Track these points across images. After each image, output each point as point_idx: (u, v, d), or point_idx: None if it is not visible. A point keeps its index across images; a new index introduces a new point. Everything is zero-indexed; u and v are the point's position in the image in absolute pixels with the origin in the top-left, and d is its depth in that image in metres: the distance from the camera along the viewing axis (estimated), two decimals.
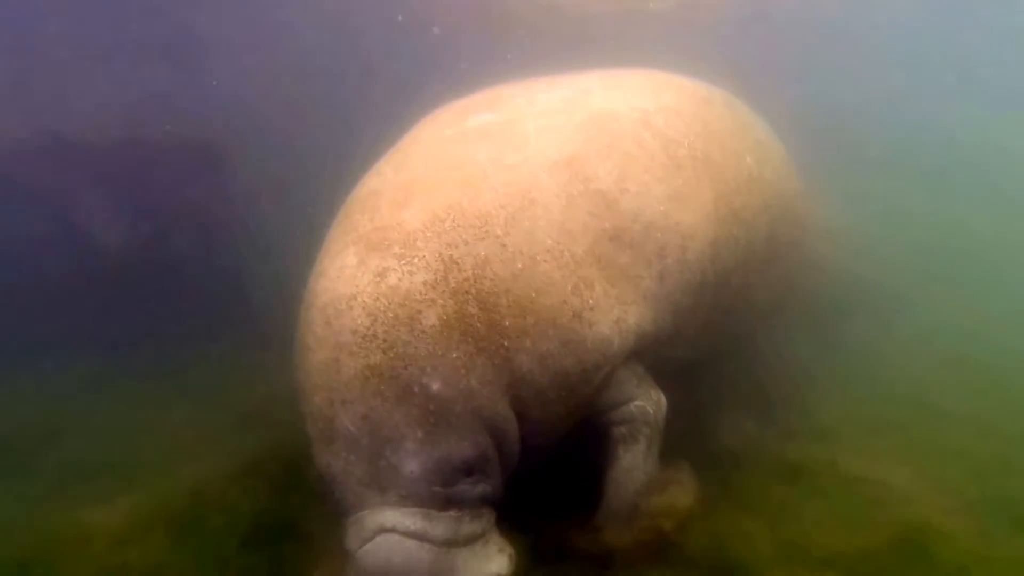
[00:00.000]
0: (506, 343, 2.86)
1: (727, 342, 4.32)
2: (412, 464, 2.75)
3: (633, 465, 3.36)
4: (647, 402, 3.33)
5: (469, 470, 2.85)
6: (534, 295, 2.93)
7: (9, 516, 4.14)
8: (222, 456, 4.42)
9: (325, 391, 2.81)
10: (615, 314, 3.12)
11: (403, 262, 2.87)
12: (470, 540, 2.88)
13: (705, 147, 3.81)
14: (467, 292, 2.84)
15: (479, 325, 2.83)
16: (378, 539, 2.76)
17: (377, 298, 2.81)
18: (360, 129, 3.88)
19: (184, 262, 6.04)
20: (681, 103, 4.00)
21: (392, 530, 2.75)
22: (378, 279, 2.85)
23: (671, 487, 3.56)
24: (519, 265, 2.94)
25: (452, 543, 2.82)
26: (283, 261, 3.73)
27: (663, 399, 3.42)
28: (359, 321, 2.79)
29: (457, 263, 2.87)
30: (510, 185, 3.11)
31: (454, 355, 2.77)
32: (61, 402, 5.49)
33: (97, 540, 3.85)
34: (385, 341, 2.75)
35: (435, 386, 2.74)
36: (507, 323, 2.87)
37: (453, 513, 2.85)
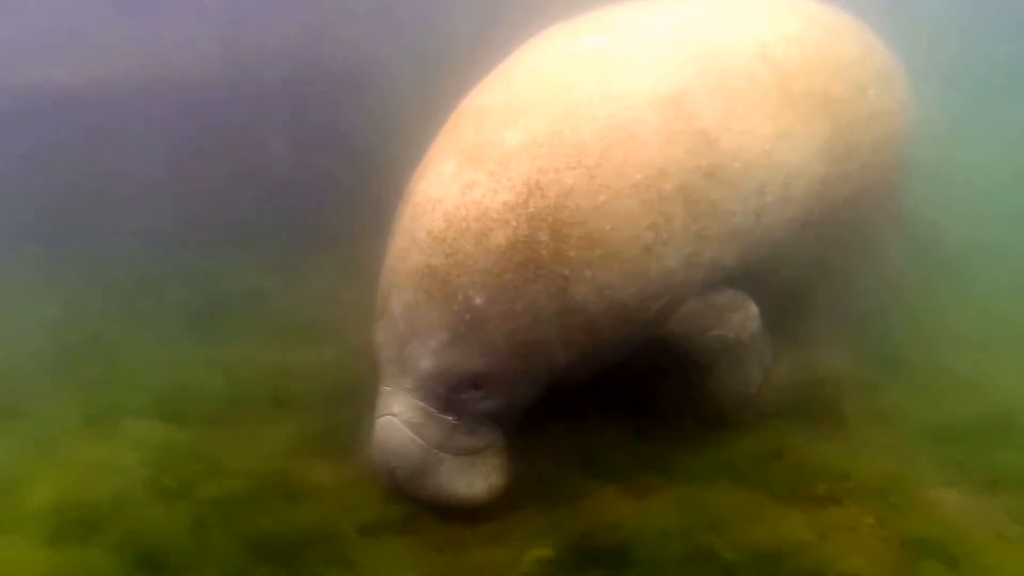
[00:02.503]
0: (566, 272, 3.03)
1: (836, 273, 4.27)
2: (427, 361, 3.06)
3: (719, 383, 3.56)
4: (726, 329, 3.44)
5: (478, 384, 3.10)
6: (608, 228, 3.07)
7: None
8: None
9: (391, 274, 3.20)
10: (689, 248, 3.21)
11: (492, 179, 3.08)
12: (460, 451, 3.16)
13: (825, 81, 3.73)
14: (543, 219, 3.01)
15: (543, 252, 3.01)
16: (385, 418, 3.15)
17: (458, 207, 3.07)
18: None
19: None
20: (804, 32, 3.88)
21: (396, 415, 3.11)
22: (465, 190, 3.09)
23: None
24: (602, 198, 3.07)
25: (441, 447, 3.12)
26: None
27: (750, 322, 3.50)
28: (436, 224, 3.08)
29: (542, 189, 3.04)
30: (613, 117, 3.20)
31: (508, 277, 2.99)
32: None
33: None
34: (450, 247, 3.02)
35: (478, 300, 2.99)
36: (572, 254, 3.03)
37: (451, 419, 3.14)
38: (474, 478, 3.19)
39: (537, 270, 3.01)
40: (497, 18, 4.36)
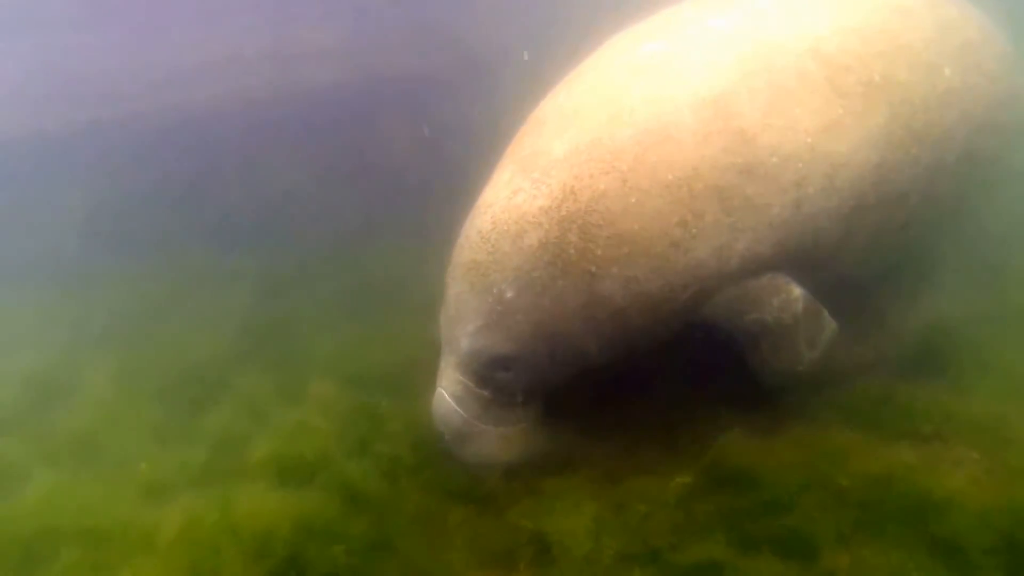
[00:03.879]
0: (593, 269, 3.40)
1: (910, 255, 4.32)
2: (466, 342, 3.56)
3: (762, 362, 3.78)
4: (764, 313, 3.63)
5: (507, 366, 3.54)
6: (637, 228, 3.40)
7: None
8: None
9: (450, 266, 3.72)
10: (720, 241, 3.47)
11: (534, 185, 3.51)
12: (495, 422, 3.64)
13: (886, 67, 3.78)
14: (573, 221, 3.40)
15: (572, 251, 3.39)
16: (439, 390, 3.68)
17: (503, 211, 3.53)
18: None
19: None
20: (867, 19, 3.92)
21: (444, 388, 3.65)
22: (511, 195, 3.55)
23: None
24: (632, 200, 3.40)
25: (478, 418, 3.62)
26: None
27: (792, 304, 3.64)
28: (484, 224, 3.56)
29: (575, 193, 3.42)
30: (650, 121, 3.51)
31: (537, 274, 3.41)
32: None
33: None
34: (493, 246, 3.48)
35: (509, 294, 3.44)
36: (600, 252, 3.39)
37: (486, 394, 3.62)
38: (506, 447, 3.69)
39: (565, 268, 3.40)
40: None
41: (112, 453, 4.49)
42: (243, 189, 7.62)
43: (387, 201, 7.18)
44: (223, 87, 7.43)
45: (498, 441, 3.69)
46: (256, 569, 3.29)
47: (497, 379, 3.62)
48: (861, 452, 3.51)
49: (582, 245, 3.39)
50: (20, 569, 3.57)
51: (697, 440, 3.76)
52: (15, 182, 8.12)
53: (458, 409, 3.64)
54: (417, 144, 7.05)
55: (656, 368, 4.07)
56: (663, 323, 3.58)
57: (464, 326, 3.58)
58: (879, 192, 3.76)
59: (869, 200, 3.74)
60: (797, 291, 3.66)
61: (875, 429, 3.71)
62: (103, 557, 3.56)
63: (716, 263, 3.49)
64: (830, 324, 3.77)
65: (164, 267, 7.29)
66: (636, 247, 3.39)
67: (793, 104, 3.57)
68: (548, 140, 3.65)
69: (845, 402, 3.92)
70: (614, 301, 3.45)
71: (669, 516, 3.34)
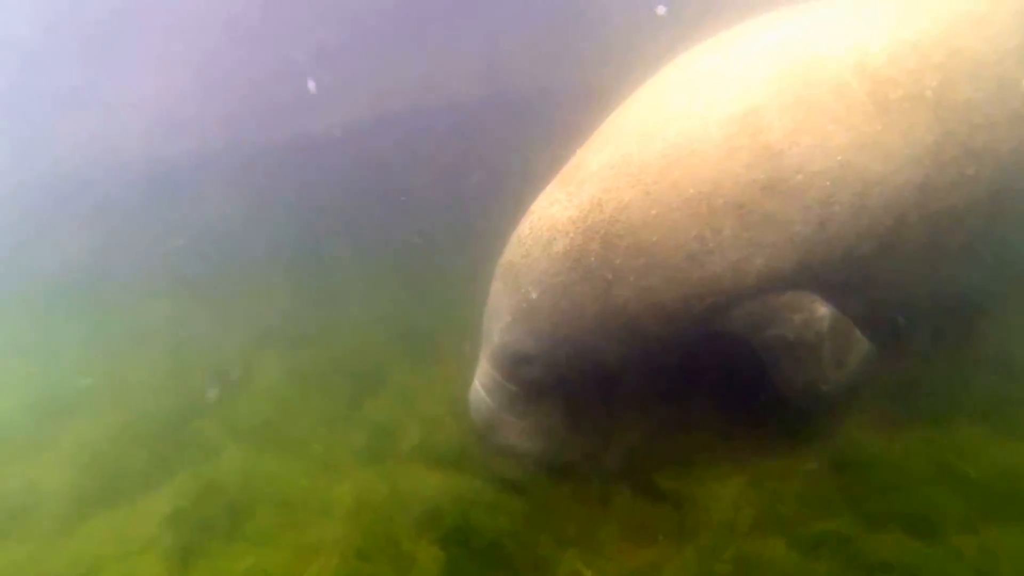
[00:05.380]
0: (609, 276, 3.62)
1: (969, 283, 4.11)
2: (496, 336, 3.91)
3: (784, 379, 3.82)
4: (785, 329, 3.66)
5: (531, 362, 3.82)
6: (655, 239, 3.57)
7: None
8: None
9: (496, 265, 4.02)
10: (737, 256, 3.55)
11: (568, 197, 3.79)
12: (520, 415, 3.93)
13: (942, 82, 3.63)
14: (597, 231, 3.63)
15: (592, 259, 3.63)
16: (475, 382, 4.06)
17: (541, 219, 3.84)
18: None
19: None
20: (928, 30, 3.74)
21: (478, 379, 4.02)
22: (548, 205, 3.86)
23: None
24: (652, 212, 3.58)
25: (505, 410, 3.93)
26: None
27: (816, 322, 3.64)
28: (524, 230, 3.90)
29: (601, 205, 3.66)
30: (679, 135, 3.67)
31: (559, 278, 3.67)
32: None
33: None
34: (527, 250, 3.81)
35: (534, 295, 3.73)
36: (618, 261, 3.60)
37: (512, 388, 3.92)
38: (528, 439, 4.01)
39: (585, 274, 3.65)
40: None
41: (288, 435, 5.26)
42: (395, 200, 8.36)
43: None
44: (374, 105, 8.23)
45: (521, 433, 4.02)
46: (428, 535, 3.86)
47: (521, 374, 3.94)
48: (989, 446, 3.63)
49: (603, 254, 3.63)
50: (231, 521, 4.33)
51: (818, 432, 3.95)
52: (189, 194, 9.37)
53: (487, 399, 4.02)
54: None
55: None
56: (679, 334, 3.73)
57: (497, 322, 3.95)
58: (924, 213, 3.64)
59: (911, 220, 3.64)
60: (823, 309, 3.67)
61: (1003, 426, 3.76)
62: (292, 519, 4.27)
63: (733, 278, 3.59)
64: (862, 344, 3.74)
65: (321, 272, 8.21)
66: (653, 258, 3.58)
67: (826, 120, 3.56)
68: (589, 154, 3.93)
69: (970, 400, 3.96)
70: (628, 309, 3.66)
71: (798, 494, 3.64)
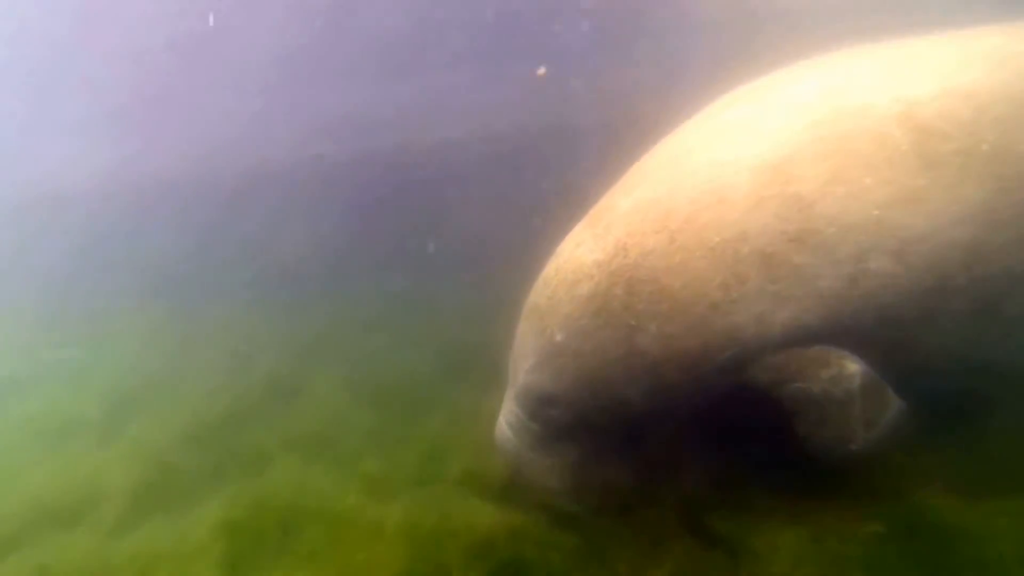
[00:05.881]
0: (632, 322, 3.54)
1: None
2: (521, 377, 3.87)
3: (808, 435, 3.60)
4: (811, 383, 3.48)
5: (554, 403, 3.77)
6: (678, 286, 3.48)
7: None
8: None
9: (523, 306, 4.02)
10: (761, 308, 3.41)
11: (594, 240, 3.76)
12: (543, 454, 3.87)
13: (1000, 136, 3.36)
14: (621, 275, 3.58)
15: (616, 304, 3.57)
16: (500, 418, 4.05)
17: (567, 260, 3.82)
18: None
19: None
20: (987, 79, 3.48)
21: (504, 416, 4.00)
22: (575, 247, 3.84)
23: None
24: (676, 259, 3.50)
25: (528, 447, 3.89)
26: None
27: (845, 380, 3.44)
28: (550, 271, 3.90)
29: (626, 250, 3.60)
30: (708, 183, 3.57)
31: (583, 322, 3.63)
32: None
33: None
34: (552, 291, 3.79)
35: (558, 337, 3.69)
36: (641, 307, 3.53)
37: (536, 427, 3.87)
38: (551, 477, 3.95)
39: (608, 319, 3.60)
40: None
41: (338, 448, 5.43)
42: (450, 223, 8.54)
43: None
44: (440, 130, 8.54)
45: (545, 471, 3.98)
46: (479, 567, 3.85)
47: (545, 414, 3.90)
48: None
49: (626, 299, 3.58)
50: (281, 535, 4.47)
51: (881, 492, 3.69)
52: (258, 210, 9.95)
53: (512, 438, 4.02)
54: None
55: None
56: (701, 381, 3.61)
57: (522, 363, 3.94)
58: (973, 275, 3.38)
59: (957, 283, 3.39)
60: (853, 367, 3.47)
61: None
62: (341, 537, 4.33)
63: (756, 329, 3.46)
64: (894, 403, 3.51)
65: (375, 292, 8.49)
66: (675, 305, 3.49)
67: (863, 172, 3.38)
68: (618, 196, 3.88)
69: None
70: (651, 355, 3.58)
71: (863, 558, 3.40)
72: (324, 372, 6.84)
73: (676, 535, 3.77)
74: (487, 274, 7.82)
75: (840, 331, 3.46)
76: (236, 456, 5.56)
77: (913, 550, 3.33)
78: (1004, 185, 3.37)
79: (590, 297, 3.65)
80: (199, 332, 8.85)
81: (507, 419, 4.05)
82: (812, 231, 3.37)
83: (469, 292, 7.86)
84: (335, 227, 9.52)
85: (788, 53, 4.13)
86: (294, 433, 5.74)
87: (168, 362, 8.07)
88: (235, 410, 6.37)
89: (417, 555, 3.97)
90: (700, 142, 3.81)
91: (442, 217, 8.69)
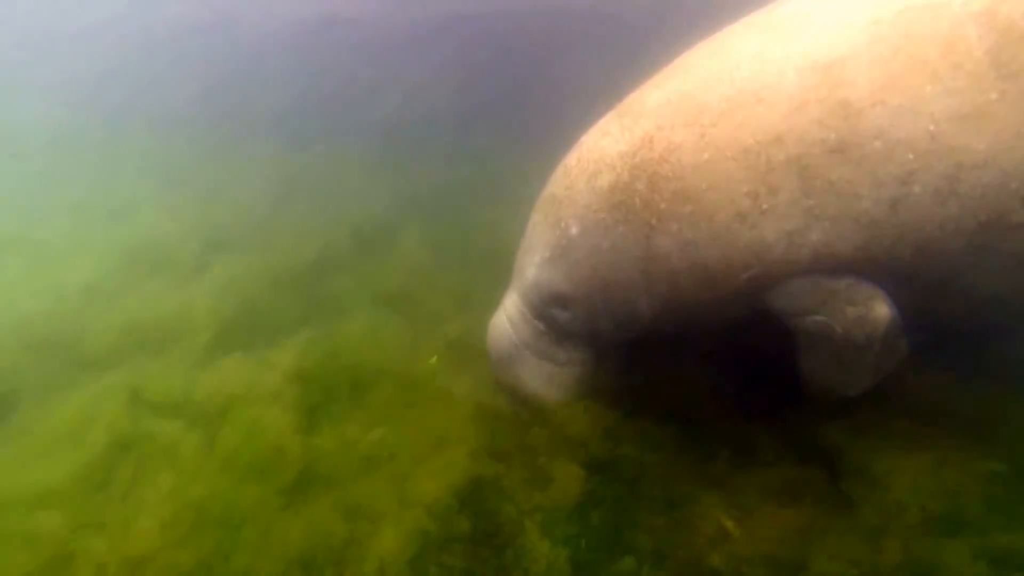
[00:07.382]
0: (653, 222, 3.29)
1: None
2: (529, 271, 3.67)
3: (813, 369, 3.41)
4: (834, 320, 3.22)
5: (564, 304, 3.56)
6: (704, 187, 3.20)
7: None
8: None
9: (539, 196, 3.79)
10: (792, 225, 3.11)
11: (619, 130, 3.49)
12: (543, 355, 3.70)
13: None
14: (644, 169, 3.32)
15: (637, 200, 3.32)
16: (499, 310, 3.86)
17: (590, 150, 3.56)
18: None
19: None
20: None
21: (504, 309, 3.80)
22: (600, 137, 3.57)
23: None
24: (705, 156, 3.20)
25: (528, 346, 3.70)
26: None
27: (870, 323, 3.18)
28: (571, 161, 3.64)
29: (651, 143, 3.33)
30: (748, 80, 3.23)
31: (601, 215, 3.39)
32: None
33: None
34: (570, 182, 3.55)
35: (574, 230, 3.47)
36: (663, 206, 3.27)
37: (540, 326, 3.68)
38: (549, 383, 3.77)
39: (628, 214, 3.35)
40: None
41: (421, 308, 5.35)
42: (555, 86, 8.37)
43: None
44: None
45: (539, 375, 3.80)
46: (566, 455, 3.62)
47: (553, 315, 3.71)
48: None
49: (648, 195, 3.32)
50: (351, 391, 4.43)
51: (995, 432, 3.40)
52: (361, 57, 9.78)
53: (511, 332, 3.82)
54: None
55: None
56: (720, 301, 3.37)
57: (532, 256, 3.72)
58: None
59: (1014, 219, 2.99)
60: (883, 310, 3.19)
61: None
62: (411, 397, 4.28)
63: (784, 248, 3.17)
64: (904, 351, 3.27)
65: (470, 151, 8.42)
66: (699, 208, 3.22)
67: (924, 80, 2.95)
68: (649, 89, 3.56)
69: None
70: (670, 262, 3.34)
71: (984, 492, 3.15)
72: (413, 227, 6.79)
73: (771, 443, 3.52)
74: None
75: (872, 263, 3.15)
76: (318, 304, 5.57)
77: None
78: None
79: (611, 189, 3.39)
80: (303, 176, 8.92)
81: (508, 313, 3.85)
82: (855, 143, 3.01)
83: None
84: (462, 84, 9.43)
85: None
86: (379, 288, 5.70)
87: (268, 204, 8.21)
88: (323, 257, 6.41)
89: (498, 433, 3.81)
90: (746, 35, 3.42)
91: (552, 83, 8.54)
